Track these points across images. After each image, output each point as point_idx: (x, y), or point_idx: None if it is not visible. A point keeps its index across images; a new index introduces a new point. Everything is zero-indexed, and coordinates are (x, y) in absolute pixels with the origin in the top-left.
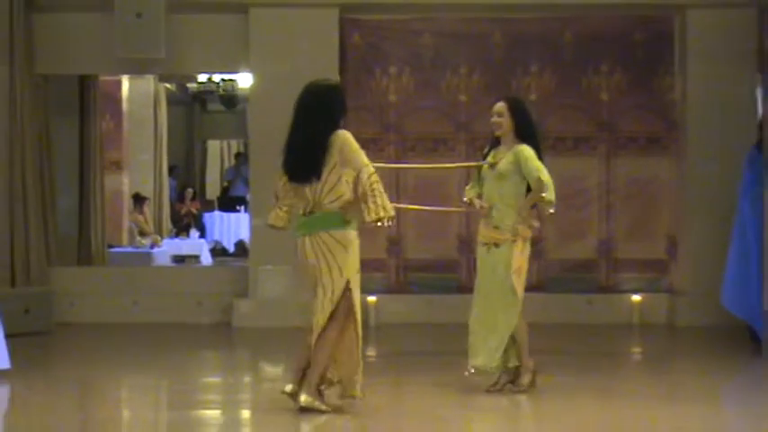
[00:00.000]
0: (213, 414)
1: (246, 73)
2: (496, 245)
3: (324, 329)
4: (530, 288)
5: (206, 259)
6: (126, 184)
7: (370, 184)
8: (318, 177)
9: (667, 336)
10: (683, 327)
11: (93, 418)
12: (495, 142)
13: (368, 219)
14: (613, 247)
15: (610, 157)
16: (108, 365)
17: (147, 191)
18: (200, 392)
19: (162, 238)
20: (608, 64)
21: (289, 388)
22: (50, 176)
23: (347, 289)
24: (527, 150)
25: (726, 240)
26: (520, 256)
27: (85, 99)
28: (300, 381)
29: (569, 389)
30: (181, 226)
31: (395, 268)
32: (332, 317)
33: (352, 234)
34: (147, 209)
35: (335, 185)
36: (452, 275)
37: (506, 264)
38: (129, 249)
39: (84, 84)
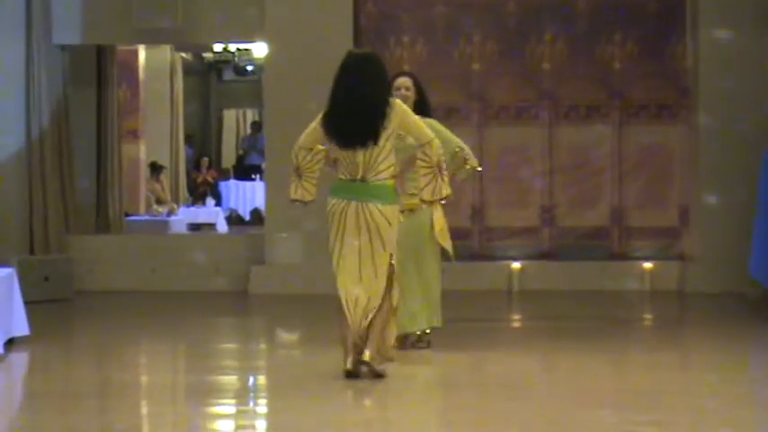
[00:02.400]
0: (229, 380)
1: (261, 42)
2: (411, 210)
3: (380, 306)
4: (542, 255)
5: (222, 227)
6: (143, 152)
7: (441, 158)
8: (375, 143)
9: (678, 303)
10: (693, 294)
11: (111, 382)
12: None
13: (444, 192)
14: (625, 215)
15: (622, 125)
16: (126, 332)
17: (163, 160)
18: (217, 358)
19: (178, 206)
20: (620, 32)
21: (350, 363)
22: (68, 146)
23: (390, 262)
24: (436, 123)
25: (737, 207)
26: (441, 218)
27: (102, 69)
28: (357, 353)
29: (582, 354)
30: (197, 194)
31: None
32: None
33: (397, 209)
34: (164, 177)
35: (389, 154)
36: (464, 243)
37: (430, 226)
38: (146, 218)
39: (102, 53)
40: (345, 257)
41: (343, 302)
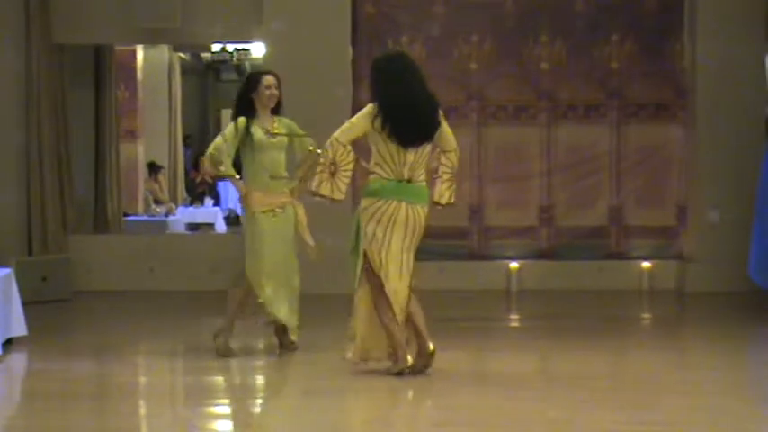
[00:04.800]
0: (228, 380)
1: (260, 43)
2: (281, 209)
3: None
4: (540, 255)
5: (220, 227)
6: (141, 152)
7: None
8: (429, 141)
9: (676, 302)
10: (692, 293)
11: (109, 383)
12: (250, 114)
13: (453, 197)
14: (623, 214)
15: (620, 124)
16: (124, 332)
17: (161, 160)
18: (215, 358)
19: (177, 206)
20: (618, 32)
21: (410, 360)
22: (66, 145)
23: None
24: (294, 123)
25: (735, 207)
26: (305, 215)
27: (101, 69)
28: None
29: (580, 354)
30: (195, 194)
31: None
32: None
33: None
34: (162, 177)
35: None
36: (463, 242)
37: (296, 224)
38: (145, 218)
39: (100, 53)
40: (394, 257)
41: (392, 300)
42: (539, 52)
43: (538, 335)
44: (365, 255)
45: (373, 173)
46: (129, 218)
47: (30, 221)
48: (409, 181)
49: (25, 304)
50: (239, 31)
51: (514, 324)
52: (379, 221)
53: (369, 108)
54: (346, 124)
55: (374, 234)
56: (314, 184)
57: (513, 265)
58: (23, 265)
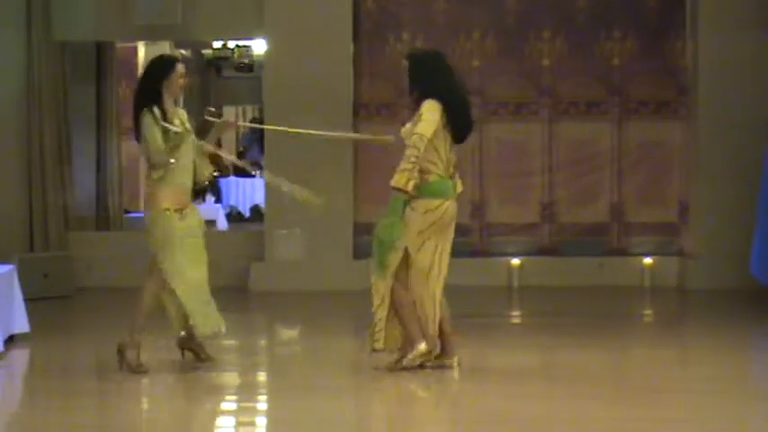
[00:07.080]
0: (230, 376)
1: (261, 39)
2: (188, 209)
3: None
4: (542, 251)
5: (222, 224)
6: None
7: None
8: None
9: (678, 298)
10: (693, 289)
11: (111, 380)
12: (158, 104)
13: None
14: (625, 211)
15: (621, 121)
16: (126, 329)
17: None
18: (217, 355)
19: None
20: (620, 29)
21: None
22: (68, 142)
23: None
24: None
25: (736, 203)
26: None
27: (102, 65)
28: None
29: (581, 350)
30: (196, 191)
31: None
32: None
33: None
34: None
35: None
36: (464, 239)
37: (201, 225)
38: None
39: (101, 50)
40: (448, 255)
41: (437, 299)
42: (540, 48)
43: (539, 331)
44: (407, 252)
45: (429, 171)
46: (130, 215)
47: (31, 218)
48: (451, 177)
49: (27, 301)
50: (240, 28)
51: (516, 321)
52: (443, 223)
53: (434, 102)
54: (423, 121)
55: (435, 237)
56: (403, 181)
57: (515, 261)
58: (25, 262)
